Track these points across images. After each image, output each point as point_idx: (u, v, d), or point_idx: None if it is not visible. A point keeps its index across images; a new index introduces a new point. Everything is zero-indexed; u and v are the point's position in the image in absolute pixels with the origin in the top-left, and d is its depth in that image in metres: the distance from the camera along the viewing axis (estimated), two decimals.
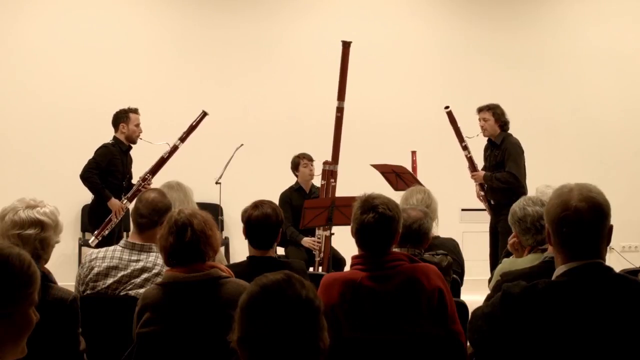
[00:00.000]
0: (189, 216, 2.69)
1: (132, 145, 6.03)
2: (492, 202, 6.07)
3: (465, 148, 6.07)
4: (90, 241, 5.75)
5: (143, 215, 3.28)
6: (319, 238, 5.77)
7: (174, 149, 5.90)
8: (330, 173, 5.69)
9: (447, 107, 6.05)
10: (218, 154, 6.53)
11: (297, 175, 6.33)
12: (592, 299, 1.98)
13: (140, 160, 6.11)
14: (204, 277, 2.63)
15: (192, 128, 5.93)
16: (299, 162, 6.27)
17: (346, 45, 5.67)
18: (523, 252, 3.25)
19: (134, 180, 6.03)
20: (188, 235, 2.65)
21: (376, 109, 7.60)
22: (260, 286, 1.66)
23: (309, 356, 1.62)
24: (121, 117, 5.97)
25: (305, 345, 1.62)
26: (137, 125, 5.97)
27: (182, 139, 5.91)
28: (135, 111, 5.99)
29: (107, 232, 5.72)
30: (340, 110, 5.67)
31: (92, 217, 5.96)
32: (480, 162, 6.18)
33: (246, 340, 1.63)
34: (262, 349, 1.61)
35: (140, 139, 5.99)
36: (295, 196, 6.21)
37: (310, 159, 6.28)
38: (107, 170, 5.88)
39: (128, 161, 6.06)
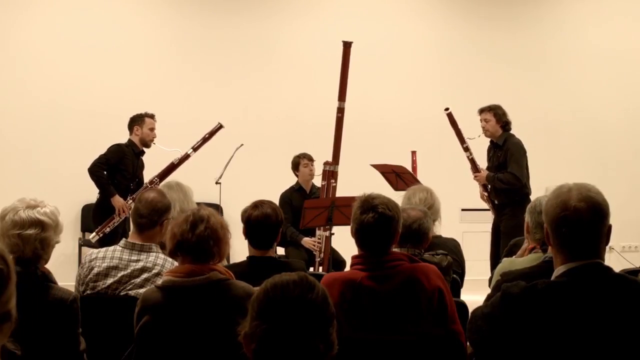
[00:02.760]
0: (208, 213, 2.72)
1: (145, 149, 6.09)
2: (496, 202, 6.07)
3: (466, 149, 6.06)
4: (90, 237, 5.76)
5: (143, 215, 3.28)
6: (319, 238, 5.76)
7: (186, 157, 6.01)
8: (330, 174, 5.68)
9: (447, 109, 6.04)
10: (218, 154, 6.53)
11: (297, 175, 6.32)
12: (591, 299, 1.98)
13: (148, 165, 6.16)
14: (203, 281, 2.62)
15: (205, 139, 6.05)
16: (299, 162, 6.27)
17: (347, 46, 5.66)
18: (524, 252, 3.25)
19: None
20: (202, 228, 2.66)
21: (376, 109, 7.60)
22: (273, 285, 1.67)
23: (315, 358, 1.62)
24: (136, 120, 6.06)
25: (312, 347, 1.62)
26: (152, 129, 6.06)
27: (195, 148, 6.03)
28: (152, 116, 6.08)
29: (108, 229, 5.74)
30: (341, 111, 5.66)
31: (97, 216, 5.98)
32: (482, 163, 6.17)
33: (253, 336, 1.63)
34: (268, 347, 1.62)
35: (154, 143, 6.06)
36: (296, 196, 6.20)
37: (311, 159, 6.27)
38: (117, 168, 5.94)
39: (139, 164, 6.10)
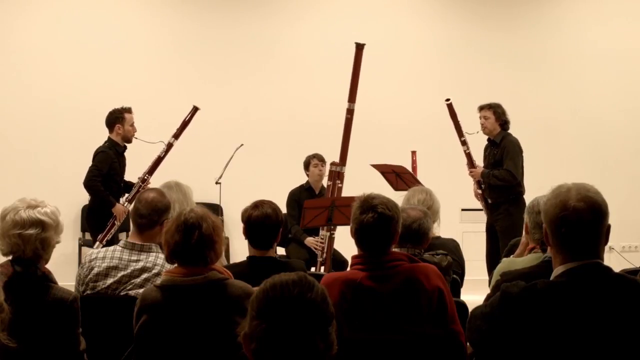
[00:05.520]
0: (199, 218, 2.68)
1: (127, 145, 5.99)
2: (489, 201, 6.07)
3: (464, 143, 6.05)
4: (94, 247, 5.70)
5: (143, 215, 3.28)
6: (322, 238, 5.76)
7: (169, 147, 5.87)
8: (337, 174, 5.66)
9: (447, 100, 6.04)
10: (218, 154, 6.54)
11: (308, 175, 6.35)
12: (591, 299, 1.98)
13: (135, 160, 6.05)
14: (202, 280, 2.63)
15: (184, 124, 5.90)
16: (310, 162, 6.30)
17: (359, 48, 5.61)
18: (523, 251, 3.25)
19: (129, 180, 6.02)
20: (195, 237, 2.65)
21: (376, 109, 7.59)
22: (272, 284, 1.67)
23: (314, 358, 1.62)
24: (116, 118, 5.90)
25: (311, 346, 1.62)
26: (132, 125, 5.92)
27: (176, 136, 5.89)
28: (129, 110, 5.93)
29: (110, 236, 5.69)
30: (350, 112, 5.61)
31: (91, 219, 5.94)
32: (479, 160, 6.18)
33: (252, 336, 1.63)
34: (267, 346, 1.62)
35: (136, 138, 5.94)
36: (304, 195, 6.20)
37: (321, 159, 6.29)
38: (108, 174, 5.82)
39: (124, 162, 6.03)
